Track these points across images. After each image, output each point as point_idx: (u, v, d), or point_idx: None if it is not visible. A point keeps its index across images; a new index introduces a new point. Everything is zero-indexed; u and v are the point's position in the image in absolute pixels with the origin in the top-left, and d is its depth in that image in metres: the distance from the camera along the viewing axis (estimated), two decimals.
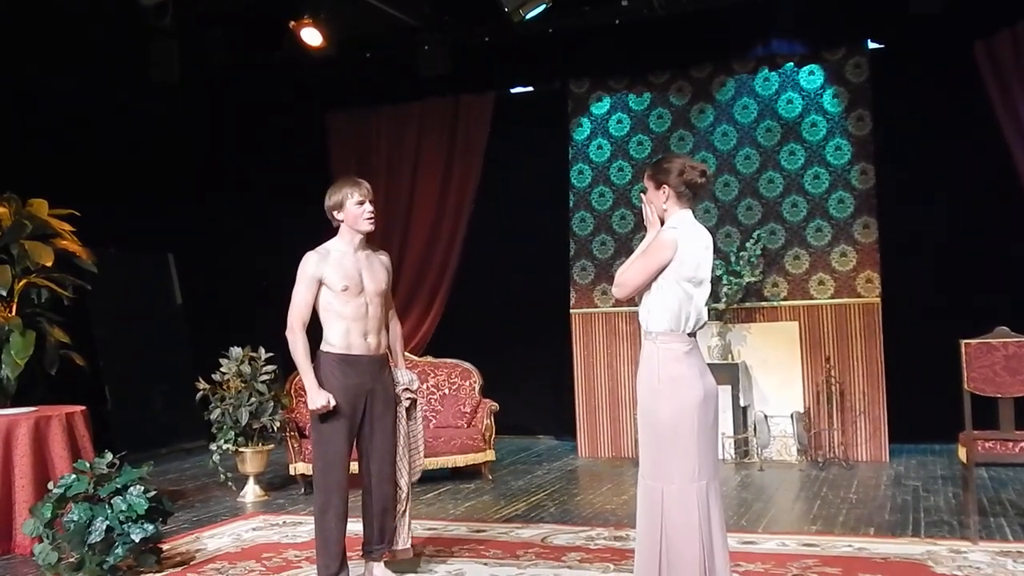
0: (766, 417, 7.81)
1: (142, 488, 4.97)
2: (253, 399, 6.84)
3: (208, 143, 9.37)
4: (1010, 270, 7.53)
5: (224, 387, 6.88)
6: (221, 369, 6.90)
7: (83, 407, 6.06)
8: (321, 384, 4.40)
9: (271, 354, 6.91)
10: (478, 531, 5.74)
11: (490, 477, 7.38)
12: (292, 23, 7.85)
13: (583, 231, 8.59)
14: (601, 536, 5.50)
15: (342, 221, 4.52)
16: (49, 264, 6.59)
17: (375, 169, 8.85)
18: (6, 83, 7.60)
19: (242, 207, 9.46)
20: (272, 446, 7.09)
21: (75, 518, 4.83)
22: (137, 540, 4.84)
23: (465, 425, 7.50)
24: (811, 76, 7.96)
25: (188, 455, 8.98)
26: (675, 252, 3.62)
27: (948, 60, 7.54)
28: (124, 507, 4.86)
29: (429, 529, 5.76)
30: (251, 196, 9.44)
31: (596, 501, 6.58)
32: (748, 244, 7.93)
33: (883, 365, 7.65)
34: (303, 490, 7.01)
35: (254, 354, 6.96)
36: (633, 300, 3.79)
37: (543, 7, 7.01)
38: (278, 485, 7.36)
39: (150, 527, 4.91)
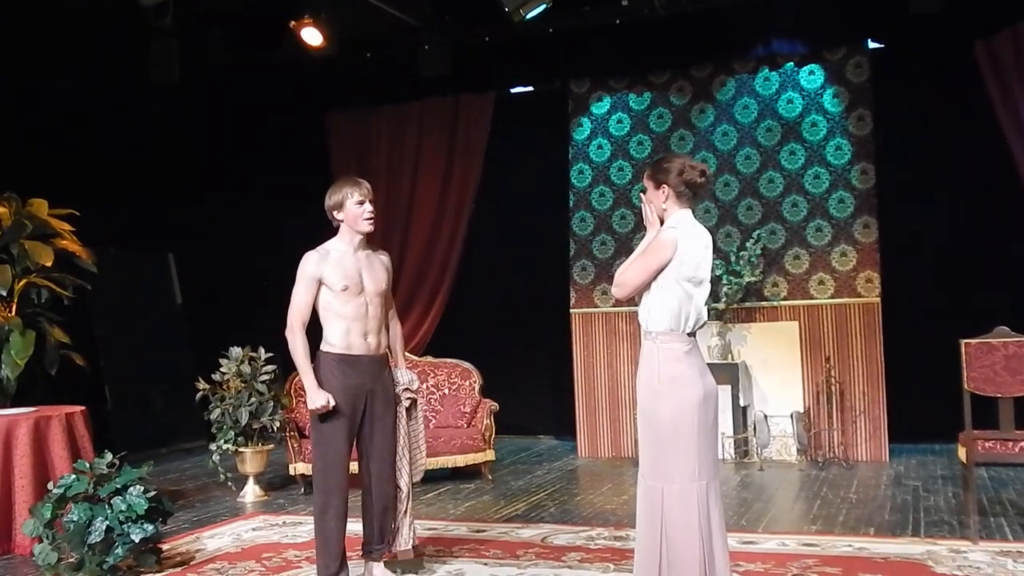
0: (766, 417, 7.81)
1: (142, 488, 4.96)
2: (253, 399, 6.84)
3: (208, 143, 9.37)
4: (1010, 270, 7.53)
5: (224, 387, 6.88)
6: (221, 369, 6.90)
7: (83, 407, 6.06)
8: (321, 384, 4.39)
9: (271, 354, 6.91)
10: (478, 531, 5.74)
11: (490, 477, 7.38)
12: (292, 23, 7.85)
13: (583, 231, 8.59)
14: (601, 536, 5.50)
15: (342, 221, 4.52)
16: (49, 264, 6.59)
17: (375, 169, 8.85)
18: (6, 83, 7.60)
19: (242, 207, 9.46)
20: (272, 446, 7.09)
21: (75, 518, 4.83)
22: (137, 540, 4.84)
23: (465, 425, 7.50)
24: (811, 76, 7.96)
25: (188, 455, 8.98)
26: (675, 252, 3.62)
27: (948, 60, 7.54)
28: (124, 507, 4.86)
29: (429, 529, 5.75)
30: (251, 196, 9.44)
31: (596, 501, 6.58)
32: (748, 244, 7.93)
33: (883, 365, 7.65)
34: (303, 490, 7.01)
35: (254, 354, 6.96)
36: (633, 300, 3.79)
37: (543, 7, 7.02)
38: (278, 485, 7.36)
39: (150, 527, 4.90)
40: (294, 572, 5.00)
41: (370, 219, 4.51)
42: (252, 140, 9.31)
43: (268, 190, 9.32)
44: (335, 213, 4.52)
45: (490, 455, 7.36)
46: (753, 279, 7.84)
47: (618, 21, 7.95)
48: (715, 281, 7.30)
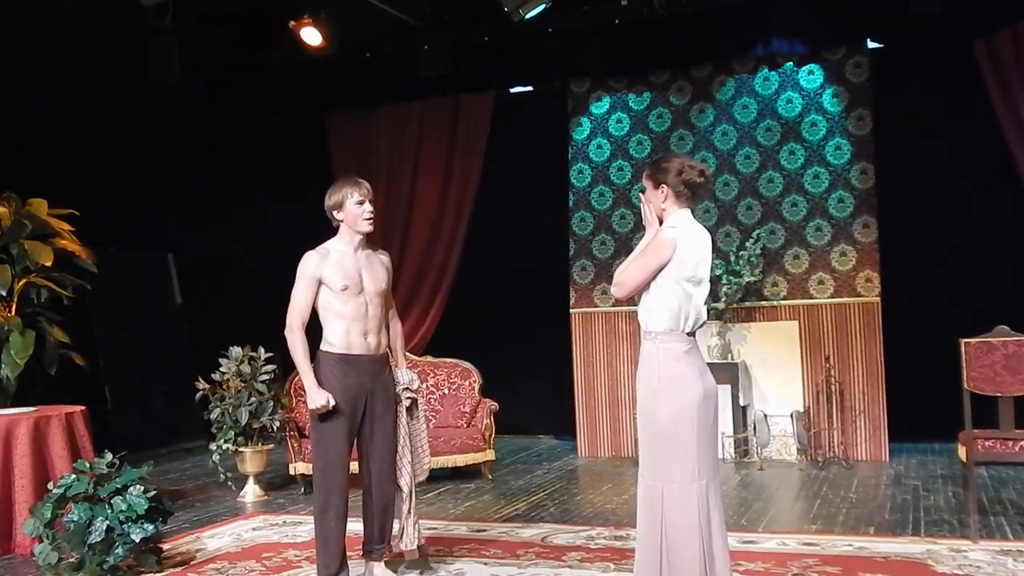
0: (766, 416, 7.81)
1: (142, 488, 4.96)
2: (253, 399, 6.84)
3: (208, 143, 9.37)
4: (1010, 270, 7.54)
5: (224, 387, 6.88)
6: (221, 369, 6.90)
7: (83, 407, 6.06)
8: (321, 384, 4.40)
9: (271, 354, 6.91)
10: (478, 531, 5.74)
11: (490, 477, 7.38)
12: (292, 23, 7.85)
13: (583, 231, 8.59)
14: (601, 536, 5.50)
15: (342, 221, 4.52)
16: (49, 264, 6.59)
17: (375, 169, 8.85)
18: (6, 82, 7.59)
19: (242, 207, 9.46)
20: (272, 446, 7.09)
21: (75, 518, 4.83)
22: (137, 540, 4.84)
23: (465, 425, 7.50)
24: (811, 76, 7.96)
25: (188, 455, 8.98)
26: (674, 251, 3.62)
27: (948, 60, 7.54)
28: (124, 507, 4.86)
29: (429, 529, 5.74)
30: (251, 196, 9.44)
31: (596, 501, 6.58)
32: (748, 244, 7.93)
33: (883, 364, 7.65)
34: (303, 490, 7.01)
35: (254, 354, 6.96)
36: (633, 300, 3.79)
37: (543, 7, 7.01)
38: (278, 485, 7.36)
39: (150, 527, 4.90)
40: (294, 572, 5.00)
41: (370, 219, 4.51)
42: (252, 140, 9.31)
43: (268, 190, 9.32)
44: (335, 213, 4.52)
45: (490, 455, 7.36)
46: (753, 279, 7.84)
47: (618, 21, 7.95)
48: (715, 281, 7.31)
